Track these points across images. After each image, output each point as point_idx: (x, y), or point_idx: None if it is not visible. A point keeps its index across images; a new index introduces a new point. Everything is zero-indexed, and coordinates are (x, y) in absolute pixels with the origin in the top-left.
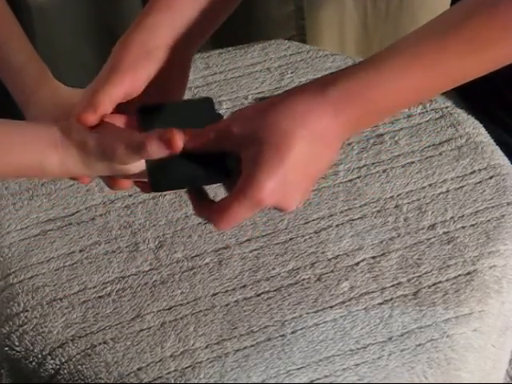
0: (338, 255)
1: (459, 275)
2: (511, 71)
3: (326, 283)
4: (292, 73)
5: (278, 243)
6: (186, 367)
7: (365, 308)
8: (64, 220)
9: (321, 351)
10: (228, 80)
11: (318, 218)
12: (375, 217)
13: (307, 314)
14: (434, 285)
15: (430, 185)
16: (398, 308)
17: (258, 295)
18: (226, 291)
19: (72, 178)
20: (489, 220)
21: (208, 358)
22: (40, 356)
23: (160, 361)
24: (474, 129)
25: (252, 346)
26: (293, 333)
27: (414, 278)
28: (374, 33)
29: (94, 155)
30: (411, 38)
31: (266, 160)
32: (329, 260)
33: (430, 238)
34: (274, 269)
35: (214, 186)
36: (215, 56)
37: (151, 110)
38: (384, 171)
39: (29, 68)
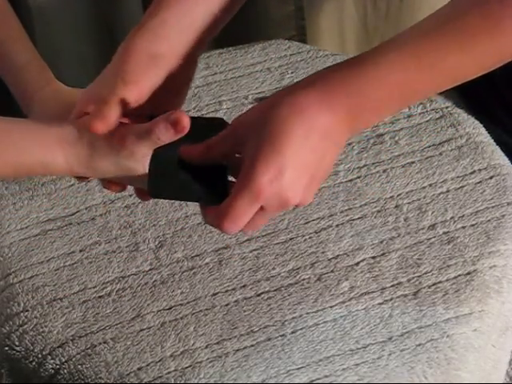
0: (338, 255)
1: (459, 275)
2: (509, 71)
3: (326, 283)
4: (292, 73)
5: (278, 243)
6: (186, 367)
7: (365, 308)
8: (64, 220)
9: (321, 351)
10: (228, 80)
11: (318, 218)
12: (375, 217)
13: (307, 313)
14: (434, 285)
15: (430, 185)
16: (398, 308)
17: (258, 295)
18: (226, 291)
19: (78, 178)
20: (489, 220)
21: (208, 358)
22: (40, 356)
23: (160, 360)
24: (474, 129)
25: (252, 345)
26: (293, 333)
27: (414, 277)
28: (374, 33)
29: (101, 151)
30: (408, 34)
31: (264, 152)
32: (329, 260)
33: (430, 238)
34: (274, 269)
35: None
36: (215, 56)
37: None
38: (384, 171)
39: (30, 68)
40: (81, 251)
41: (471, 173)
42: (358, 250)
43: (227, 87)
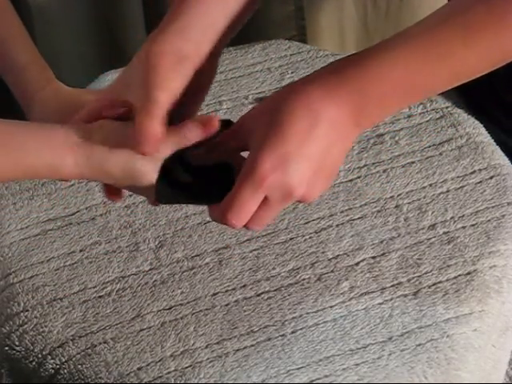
0: (338, 255)
1: (459, 275)
2: (507, 72)
3: (326, 283)
4: (292, 73)
5: (279, 243)
6: (186, 367)
7: (365, 308)
8: (64, 220)
9: (321, 351)
10: (228, 80)
11: (318, 218)
12: (375, 217)
13: (307, 313)
14: (434, 285)
15: (430, 185)
16: (398, 308)
17: (258, 295)
18: (226, 291)
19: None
20: (489, 220)
21: (208, 358)
22: (40, 356)
23: (160, 360)
24: (475, 129)
25: (252, 345)
26: (293, 332)
27: (414, 277)
28: (374, 33)
29: (115, 150)
30: (412, 30)
31: (269, 142)
32: (329, 260)
33: (430, 238)
34: (274, 269)
35: None
36: None
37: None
38: (384, 171)
39: (31, 68)
40: (81, 251)
41: (471, 173)
42: (358, 250)
43: (227, 87)
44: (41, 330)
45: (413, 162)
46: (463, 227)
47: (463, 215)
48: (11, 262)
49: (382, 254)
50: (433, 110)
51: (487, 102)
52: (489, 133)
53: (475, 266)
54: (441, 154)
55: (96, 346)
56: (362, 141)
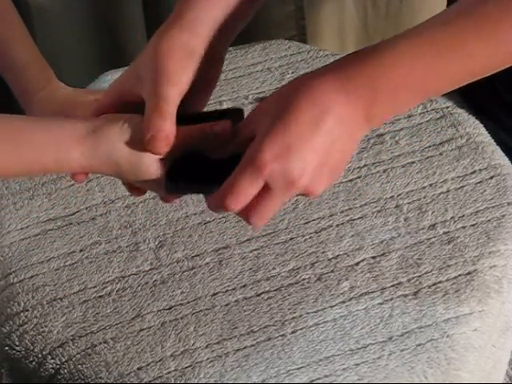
0: (338, 255)
1: (459, 275)
2: (509, 71)
3: (326, 283)
4: (293, 73)
5: (279, 243)
6: (186, 367)
7: (365, 308)
8: (64, 220)
9: (321, 351)
10: (228, 80)
11: (318, 218)
12: (375, 217)
13: (307, 313)
14: (434, 285)
15: (430, 185)
16: (398, 308)
17: (258, 295)
18: (227, 291)
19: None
20: (489, 220)
21: (208, 358)
22: (40, 355)
23: (160, 360)
24: (475, 129)
25: (252, 345)
26: (293, 332)
27: (414, 277)
28: (374, 33)
29: (122, 142)
30: (424, 25)
31: (274, 131)
32: (329, 260)
33: (431, 238)
34: (274, 268)
35: None
36: None
37: (185, 118)
38: (384, 171)
39: (32, 68)
40: (81, 251)
41: (471, 173)
42: (358, 250)
43: (227, 87)
44: (41, 329)
45: (413, 162)
46: (463, 227)
47: (463, 215)
48: (11, 261)
49: (382, 254)
50: (433, 110)
51: (488, 101)
52: (490, 132)
53: (475, 265)
54: (441, 153)
55: (96, 345)
56: (362, 141)
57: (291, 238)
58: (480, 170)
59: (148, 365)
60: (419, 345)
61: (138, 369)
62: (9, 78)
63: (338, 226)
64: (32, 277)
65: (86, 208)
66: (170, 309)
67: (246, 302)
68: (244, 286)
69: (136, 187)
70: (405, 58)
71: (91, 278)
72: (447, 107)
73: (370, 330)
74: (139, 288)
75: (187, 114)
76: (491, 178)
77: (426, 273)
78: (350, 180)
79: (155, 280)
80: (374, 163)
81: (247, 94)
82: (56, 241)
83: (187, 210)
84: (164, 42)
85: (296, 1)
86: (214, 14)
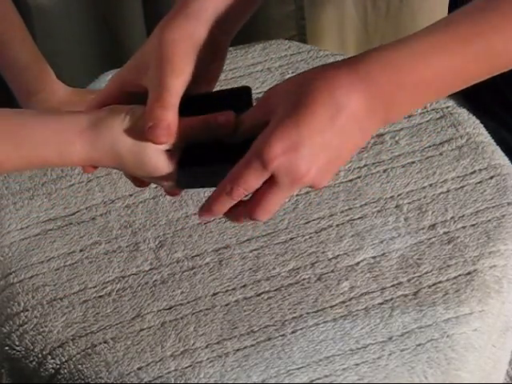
0: (338, 255)
1: (459, 275)
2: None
3: (327, 283)
4: (293, 73)
5: (279, 243)
6: (186, 367)
7: (365, 308)
8: (64, 220)
9: (321, 351)
10: (228, 80)
11: (318, 218)
12: (375, 217)
13: (307, 313)
14: (434, 285)
15: (430, 185)
16: (398, 308)
17: (259, 295)
18: (227, 291)
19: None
20: (489, 220)
21: (208, 358)
22: (40, 355)
23: (160, 360)
24: (475, 129)
25: (252, 345)
26: (293, 332)
27: (414, 277)
28: (374, 33)
29: (124, 133)
30: (438, 24)
31: (286, 124)
32: (329, 260)
33: (431, 238)
34: (274, 268)
35: None
36: None
37: (192, 99)
38: (384, 171)
39: (32, 68)
40: (81, 251)
41: (471, 173)
42: (358, 250)
43: (227, 87)
44: (41, 329)
45: (413, 162)
46: (463, 227)
47: (463, 215)
48: (11, 261)
49: (382, 254)
50: (433, 109)
51: (491, 101)
52: (491, 133)
53: (475, 265)
54: (441, 153)
55: (96, 345)
56: None
57: (291, 238)
58: (480, 169)
59: (148, 365)
60: (419, 345)
61: (138, 369)
62: (9, 78)
63: (337, 226)
64: (32, 277)
65: (86, 208)
66: (170, 309)
67: (246, 302)
68: (244, 286)
69: (140, 180)
70: (423, 56)
71: (91, 278)
72: (447, 107)
73: (370, 330)
74: (139, 288)
75: (193, 95)
76: (491, 177)
77: (426, 273)
78: (350, 180)
79: (155, 280)
80: (374, 163)
81: None
82: (56, 241)
83: (187, 210)
84: (169, 33)
85: (296, 1)
86: (218, 4)
